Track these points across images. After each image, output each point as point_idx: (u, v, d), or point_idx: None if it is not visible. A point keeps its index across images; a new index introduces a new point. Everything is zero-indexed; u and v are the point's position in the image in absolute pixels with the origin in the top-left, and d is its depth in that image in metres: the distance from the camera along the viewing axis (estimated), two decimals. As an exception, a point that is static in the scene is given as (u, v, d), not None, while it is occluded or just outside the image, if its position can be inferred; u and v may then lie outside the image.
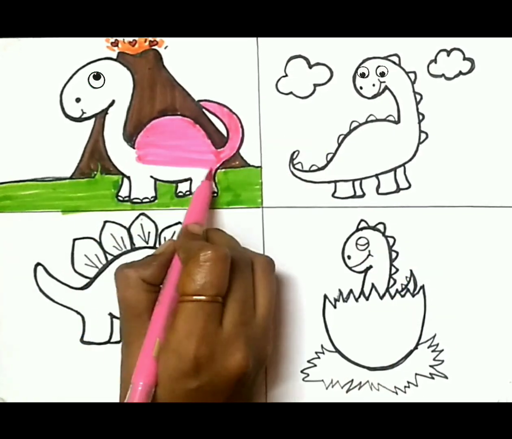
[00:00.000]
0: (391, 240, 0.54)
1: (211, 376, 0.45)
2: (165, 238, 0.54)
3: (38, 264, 0.54)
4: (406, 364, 0.54)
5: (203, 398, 0.45)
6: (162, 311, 0.47)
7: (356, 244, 0.54)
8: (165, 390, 0.45)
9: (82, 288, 0.54)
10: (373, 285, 0.54)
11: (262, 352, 0.48)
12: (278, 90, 0.53)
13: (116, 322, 0.54)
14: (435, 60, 0.53)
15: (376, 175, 0.54)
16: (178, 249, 0.48)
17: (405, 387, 0.54)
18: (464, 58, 0.53)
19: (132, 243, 0.54)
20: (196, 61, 0.53)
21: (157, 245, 0.54)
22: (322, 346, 0.54)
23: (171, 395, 0.45)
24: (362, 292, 0.54)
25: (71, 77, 0.54)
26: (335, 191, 0.54)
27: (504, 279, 0.53)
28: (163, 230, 0.54)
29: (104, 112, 0.54)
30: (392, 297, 0.54)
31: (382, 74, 0.53)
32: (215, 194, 0.54)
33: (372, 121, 0.53)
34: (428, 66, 0.53)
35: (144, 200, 0.54)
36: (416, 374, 0.54)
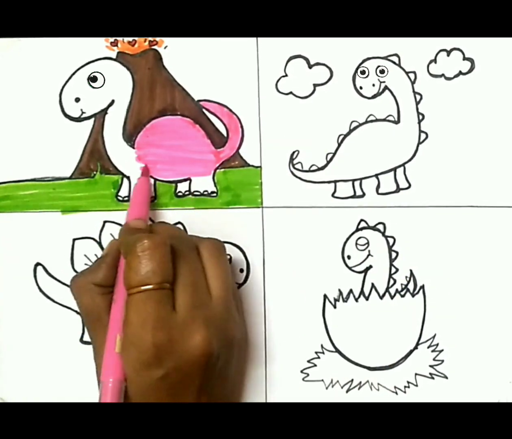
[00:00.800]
0: (391, 240, 0.54)
1: (175, 361, 0.45)
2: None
3: (38, 264, 0.54)
4: (406, 364, 0.54)
5: (172, 387, 0.45)
6: (118, 308, 0.47)
7: (356, 244, 0.54)
8: (133, 384, 0.46)
9: (82, 288, 0.54)
10: (373, 285, 0.54)
11: (227, 334, 0.47)
12: (278, 90, 0.53)
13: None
14: (435, 60, 0.53)
15: (376, 175, 0.54)
16: (119, 245, 0.48)
17: (405, 387, 0.54)
18: (464, 58, 0.53)
19: (132, 243, 0.54)
20: (196, 61, 0.53)
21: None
22: (322, 346, 0.54)
23: (139, 388, 0.45)
24: (362, 292, 0.54)
25: (70, 77, 0.54)
26: (335, 191, 0.54)
27: (504, 279, 0.53)
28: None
29: (104, 112, 0.54)
30: (392, 297, 0.54)
31: (382, 74, 0.53)
32: (215, 194, 0.54)
33: (372, 121, 0.53)
34: (428, 66, 0.53)
35: (144, 200, 0.54)
36: (416, 374, 0.54)
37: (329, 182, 0.54)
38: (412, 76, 0.53)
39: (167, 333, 0.45)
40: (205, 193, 0.54)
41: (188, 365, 0.45)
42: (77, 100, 0.54)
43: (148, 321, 0.45)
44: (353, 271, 0.54)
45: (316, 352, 0.54)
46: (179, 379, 0.45)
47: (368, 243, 0.54)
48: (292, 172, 0.54)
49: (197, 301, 0.46)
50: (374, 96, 0.53)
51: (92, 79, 0.54)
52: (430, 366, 0.54)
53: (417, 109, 0.53)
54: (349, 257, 0.54)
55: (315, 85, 0.53)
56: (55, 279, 0.54)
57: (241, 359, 0.53)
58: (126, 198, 0.54)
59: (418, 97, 0.53)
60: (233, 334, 0.48)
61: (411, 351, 0.54)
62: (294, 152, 0.53)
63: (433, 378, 0.54)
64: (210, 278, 0.48)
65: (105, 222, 0.54)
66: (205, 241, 0.50)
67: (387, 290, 0.54)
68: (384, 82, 0.53)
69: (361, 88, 0.53)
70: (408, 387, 0.54)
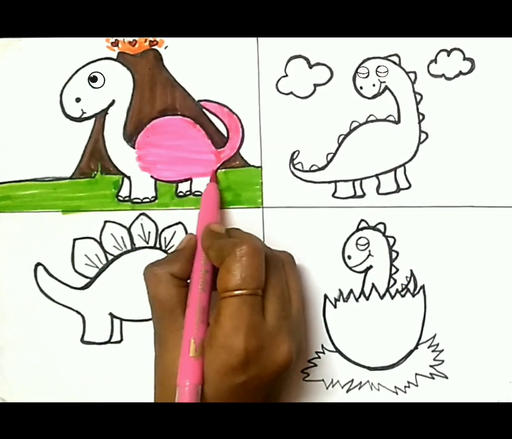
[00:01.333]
0: (391, 240, 0.54)
1: (259, 369, 0.45)
2: (165, 238, 0.54)
3: (39, 264, 0.54)
4: (406, 364, 0.54)
5: (247, 393, 0.46)
6: (192, 312, 0.47)
7: (356, 244, 0.54)
8: (212, 387, 0.46)
9: (82, 288, 0.54)
10: (373, 285, 0.54)
11: (300, 346, 0.49)
12: (278, 90, 0.53)
13: (116, 322, 0.54)
14: (435, 60, 0.53)
15: (376, 175, 0.54)
16: (207, 248, 0.48)
17: (405, 387, 0.54)
18: (464, 58, 0.53)
19: (132, 243, 0.54)
20: (196, 61, 0.53)
21: (157, 245, 0.54)
22: (322, 346, 0.54)
23: (217, 392, 0.46)
24: (362, 292, 0.54)
25: (71, 77, 0.54)
26: (335, 191, 0.54)
27: (504, 279, 0.53)
28: (163, 230, 0.54)
29: (104, 112, 0.54)
30: (392, 297, 0.54)
31: (382, 74, 0.53)
32: (216, 194, 0.54)
33: (372, 121, 0.53)
34: (428, 66, 0.53)
35: (144, 200, 0.54)
36: (416, 374, 0.54)
37: (329, 182, 0.54)
38: (412, 76, 0.53)
39: (259, 340, 0.45)
40: (206, 193, 0.54)
41: (269, 374, 0.46)
42: (78, 100, 0.54)
43: (241, 326, 0.45)
44: (354, 271, 0.54)
45: (316, 352, 0.54)
46: (257, 386, 0.46)
47: (368, 243, 0.54)
48: (292, 172, 0.54)
49: (283, 311, 0.47)
50: (374, 96, 0.53)
51: (92, 79, 0.54)
52: (431, 366, 0.54)
53: (417, 109, 0.53)
54: (349, 257, 0.54)
55: (315, 85, 0.53)
56: (56, 279, 0.54)
57: None
58: (126, 198, 0.54)
59: (418, 97, 0.53)
60: (302, 347, 0.50)
61: (411, 351, 0.54)
62: (294, 152, 0.53)
63: (433, 378, 0.54)
64: (290, 290, 0.49)
65: (105, 222, 0.54)
66: (284, 253, 0.51)
67: (387, 290, 0.54)
68: (384, 82, 0.53)
69: (361, 88, 0.53)
70: (409, 387, 0.54)
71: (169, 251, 0.54)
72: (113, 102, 0.54)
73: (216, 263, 0.47)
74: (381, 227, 0.54)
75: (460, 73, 0.53)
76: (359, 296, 0.54)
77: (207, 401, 0.46)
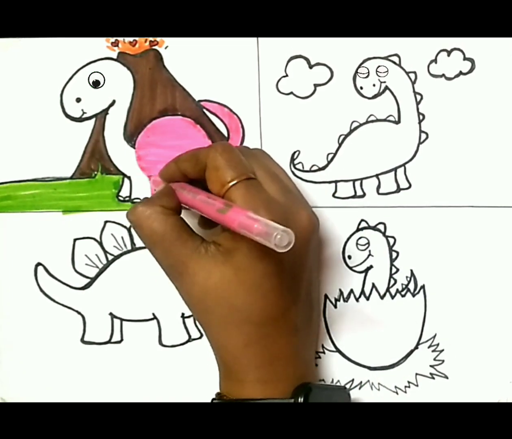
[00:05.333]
0: (391, 240, 0.54)
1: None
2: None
3: (39, 264, 0.54)
4: (406, 364, 0.54)
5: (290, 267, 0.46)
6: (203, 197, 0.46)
7: (357, 244, 0.54)
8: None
9: (82, 288, 0.54)
10: (373, 285, 0.54)
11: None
12: (278, 90, 0.53)
13: (116, 322, 0.54)
14: (435, 60, 0.53)
15: (377, 175, 0.54)
16: (182, 161, 0.49)
17: (405, 387, 0.54)
18: (464, 58, 0.53)
19: (132, 243, 0.54)
20: (196, 61, 0.53)
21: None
22: (322, 346, 0.54)
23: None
24: (362, 292, 0.54)
25: (71, 77, 0.54)
26: (335, 191, 0.54)
27: (504, 279, 0.53)
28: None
29: (105, 112, 0.54)
30: (392, 297, 0.54)
31: (382, 74, 0.53)
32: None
33: (372, 121, 0.53)
34: (428, 66, 0.53)
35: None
36: (416, 374, 0.54)
37: (329, 182, 0.54)
38: (412, 76, 0.53)
39: (279, 214, 0.44)
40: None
41: (299, 240, 0.44)
42: (78, 100, 0.54)
43: (257, 205, 0.44)
44: (354, 271, 0.54)
45: (317, 352, 0.54)
46: (293, 260, 0.46)
47: (368, 243, 0.54)
48: (293, 172, 0.53)
49: (284, 188, 0.47)
50: (374, 96, 0.53)
51: (92, 79, 0.54)
52: (431, 366, 0.54)
53: (417, 109, 0.53)
54: (349, 257, 0.54)
55: (315, 85, 0.54)
56: (56, 279, 0.54)
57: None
58: (127, 198, 0.54)
59: (418, 97, 0.53)
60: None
61: (411, 351, 0.54)
62: (294, 152, 0.53)
63: (433, 378, 0.54)
64: (277, 172, 0.50)
65: (106, 222, 0.54)
66: (254, 149, 0.52)
67: (387, 290, 0.54)
68: (384, 82, 0.53)
69: (361, 88, 0.53)
70: (409, 387, 0.54)
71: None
72: (113, 102, 0.54)
73: (194, 172, 0.48)
74: (381, 227, 0.54)
75: (460, 73, 0.53)
76: (360, 296, 0.54)
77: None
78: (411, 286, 0.54)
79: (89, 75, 0.54)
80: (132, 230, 0.54)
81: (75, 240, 0.54)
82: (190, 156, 0.48)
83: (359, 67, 0.53)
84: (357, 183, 0.54)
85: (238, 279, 0.45)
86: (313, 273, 0.51)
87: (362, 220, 0.54)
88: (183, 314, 0.54)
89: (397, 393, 0.54)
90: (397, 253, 0.54)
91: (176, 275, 0.47)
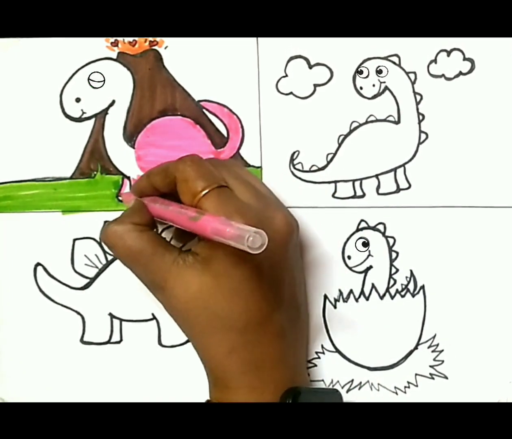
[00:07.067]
0: (391, 240, 0.54)
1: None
2: (165, 238, 0.53)
3: (38, 264, 0.54)
4: (406, 364, 0.54)
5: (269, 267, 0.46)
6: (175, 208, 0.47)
7: (356, 244, 0.54)
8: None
9: (82, 288, 0.54)
10: (373, 285, 0.54)
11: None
12: (278, 91, 0.53)
13: (116, 322, 0.54)
14: (435, 60, 0.53)
15: (376, 175, 0.54)
16: (151, 176, 0.49)
17: (405, 387, 0.54)
18: (464, 58, 0.53)
19: (132, 243, 0.54)
20: (196, 61, 0.53)
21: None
22: (322, 346, 0.54)
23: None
24: (362, 292, 0.54)
25: (71, 77, 0.54)
26: (335, 191, 0.54)
27: (504, 279, 0.53)
28: (163, 230, 0.54)
29: (104, 112, 0.54)
30: (392, 297, 0.54)
31: (382, 75, 0.53)
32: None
33: (372, 121, 0.53)
34: (428, 66, 0.53)
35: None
36: (416, 374, 0.54)
37: (329, 182, 0.54)
38: (412, 76, 0.53)
39: (255, 217, 0.45)
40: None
41: (277, 245, 0.45)
42: (78, 100, 0.54)
43: (231, 211, 0.44)
44: (354, 271, 0.54)
45: (316, 352, 0.54)
46: (272, 263, 0.46)
47: (368, 243, 0.54)
48: (292, 173, 0.54)
49: (257, 193, 0.47)
50: (374, 97, 0.53)
51: (92, 79, 0.54)
52: (430, 366, 0.54)
53: (417, 109, 0.53)
54: (349, 257, 0.54)
55: (315, 86, 0.54)
56: (56, 279, 0.54)
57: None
58: (126, 198, 0.54)
59: (418, 97, 0.53)
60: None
61: (411, 351, 0.54)
62: (294, 153, 0.53)
63: (433, 378, 0.54)
64: (248, 178, 0.49)
65: (105, 222, 0.54)
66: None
67: (387, 290, 0.54)
68: (384, 82, 0.53)
69: (361, 88, 0.53)
70: (408, 387, 0.54)
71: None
72: (113, 102, 0.54)
73: (164, 185, 0.48)
74: (381, 227, 0.54)
75: (460, 73, 0.53)
76: (359, 296, 0.54)
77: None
78: (411, 286, 0.54)
79: (89, 75, 0.54)
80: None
81: (74, 240, 0.54)
82: (160, 170, 0.49)
83: (359, 67, 0.53)
84: (357, 183, 0.54)
85: (217, 286, 0.45)
86: (296, 274, 0.50)
87: (362, 220, 0.54)
88: (182, 314, 0.54)
89: (396, 393, 0.54)
90: (397, 253, 0.54)
91: (156, 290, 0.48)
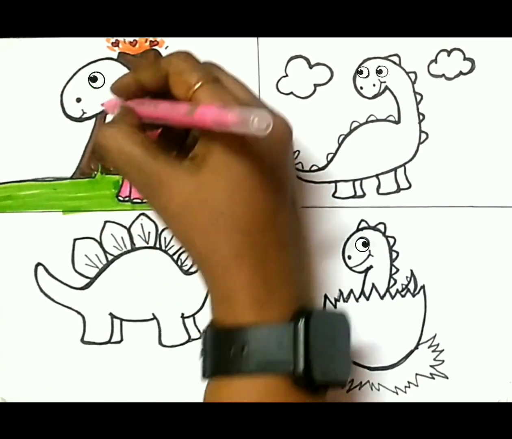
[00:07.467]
0: (391, 240, 0.54)
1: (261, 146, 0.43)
2: (165, 238, 0.54)
3: (39, 264, 0.54)
4: (406, 364, 0.54)
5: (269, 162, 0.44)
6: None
7: (357, 244, 0.54)
8: None
9: (82, 288, 0.54)
10: (373, 285, 0.54)
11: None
12: (278, 90, 0.53)
13: (116, 322, 0.54)
14: (435, 60, 0.53)
15: (377, 175, 0.54)
16: (143, 70, 0.47)
17: (405, 387, 0.54)
18: (464, 58, 0.53)
19: (132, 243, 0.54)
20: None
21: (157, 245, 0.54)
22: (322, 346, 0.54)
23: None
24: (362, 292, 0.54)
25: (71, 77, 0.54)
26: (335, 191, 0.54)
27: (504, 279, 0.53)
28: (163, 230, 0.54)
29: (105, 112, 0.54)
30: (392, 297, 0.54)
31: (382, 74, 0.53)
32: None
33: (372, 121, 0.53)
34: (428, 66, 0.53)
35: (144, 200, 0.54)
36: (416, 374, 0.54)
37: (329, 182, 0.54)
38: (412, 76, 0.53)
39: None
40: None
41: (279, 141, 0.44)
42: (78, 100, 0.54)
43: (229, 101, 0.43)
44: (354, 271, 0.54)
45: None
46: (273, 160, 0.44)
47: (368, 243, 0.54)
48: (292, 172, 0.54)
49: (251, 93, 0.46)
50: (374, 96, 0.53)
51: (92, 79, 0.54)
52: (431, 366, 0.54)
53: (417, 109, 0.53)
54: (349, 257, 0.54)
55: (315, 85, 0.54)
56: (56, 279, 0.54)
57: None
58: (126, 198, 0.54)
59: (418, 97, 0.53)
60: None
61: (411, 351, 0.54)
62: (294, 152, 0.53)
63: (433, 378, 0.54)
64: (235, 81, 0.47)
65: (105, 222, 0.54)
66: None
67: (387, 290, 0.54)
68: (384, 82, 0.53)
69: (361, 88, 0.53)
70: (409, 387, 0.54)
71: (169, 250, 0.54)
72: (113, 102, 0.54)
73: (154, 81, 0.46)
74: (381, 227, 0.54)
75: (460, 73, 0.53)
76: (359, 296, 0.54)
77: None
78: (411, 286, 0.54)
79: (90, 75, 0.54)
80: (132, 230, 0.54)
81: (75, 240, 0.54)
82: (149, 64, 0.47)
83: (359, 67, 0.53)
84: (357, 183, 0.54)
85: (216, 181, 0.43)
86: (294, 185, 0.48)
87: (362, 220, 0.54)
88: (183, 314, 0.54)
89: (397, 393, 0.54)
90: (397, 253, 0.54)
91: (152, 193, 0.45)
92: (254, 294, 0.43)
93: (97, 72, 0.54)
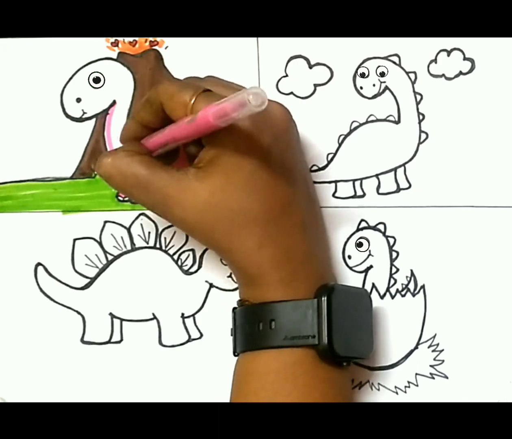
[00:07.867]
0: (391, 240, 0.54)
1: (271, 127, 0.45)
2: (165, 238, 0.54)
3: (39, 264, 0.54)
4: (406, 364, 0.54)
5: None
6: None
7: (357, 244, 0.54)
8: None
9: (82, 288, 0.54)
10: (373, 285, 0.54)
11: None
12: (278, 90, 0.53)
13: (116, 322, 0.54)
14: (435, 60, 0.53)
15: (377, 175, 0.54)
16: (145, 101, 0.48)
17: (405, 387, 0.54)
18: (464, 58, 0.53)
19: (132, 243, 0.54)
20: (196, 61, 0.53)
21: (157, 245, 0.54)
22: (322, 346, 0.54)
23: None
24: (362, 292, 0.54)
25: (71, 77, 0.54)
26: (335, 191, 0.54)
27: (504, 279, 0.53)
28: (163, 230, 0.54)
29: (105, 112, 0.54)
30: (392, 297, 0.54)
31: (382, 74, 0.53)
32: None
33: (372, 121, 0.53)
34: (428, 66, 0.53)
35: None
36: (416, 374, 0.54)
37: (329, 182, 0.54)
38: (412, 76, 0.53)
39: None
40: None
41: (281, 128, 0.45)
42: (78, 100, 0.54)
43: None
44: (354, 271, 0.54)
45: (316, 352, 0.54)
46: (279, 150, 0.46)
47: (368, 243, 0.54)
48: (292, 172, 0.53)
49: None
50: (374, 96, 0.53)
51: (93, 79, 0.54)
52: (431, 366, 0.54)
53: (417, 109, 0.53)
54: (349, 257, 0.54)
55: (315, 85, 0.54)
56: (56, 279, 0.54)
57: None
58: (126, 198, 0.54)
59: (418, 97, 0.53)
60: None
61: (411, 351, 0.54)
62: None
63: (433, 378, 0.54)
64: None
65: (105, 222, 0.54)
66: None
67: (387, 290, 0.54)
68: (384, 82, 0.53)
69: (361, 88, 0.53)
70: (409, 387, 0.54)
71: (169, 250, 0.54)
72: (113, 102, 0.54)
73: (152, 116, 0.47)
74: (381, 227, 0.54)
75: (460, 73, 0.53)
76: (359, 296, 0.54)
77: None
78: (411, 286, 0.54)
79: (90, 75, 0.54)
80: (132, 230, 0.54)
81: (75, 240, 0.54)
82: (142, 104, 0.48)
83: (359, 67, 0.53)
84: (357, 183, 0.54)
85: (229, 182, 0.45)
86: (305, 167, 0.50)
87: (362, 220, 0.54)
88: (183, 314, 0.54)
89: (397, 393, 0.54)
90: (397, 253, 0.54)
91: (164, 210, 0.46)
92: (280, 276, 0.46)
93: (97, 72, 0.54)
